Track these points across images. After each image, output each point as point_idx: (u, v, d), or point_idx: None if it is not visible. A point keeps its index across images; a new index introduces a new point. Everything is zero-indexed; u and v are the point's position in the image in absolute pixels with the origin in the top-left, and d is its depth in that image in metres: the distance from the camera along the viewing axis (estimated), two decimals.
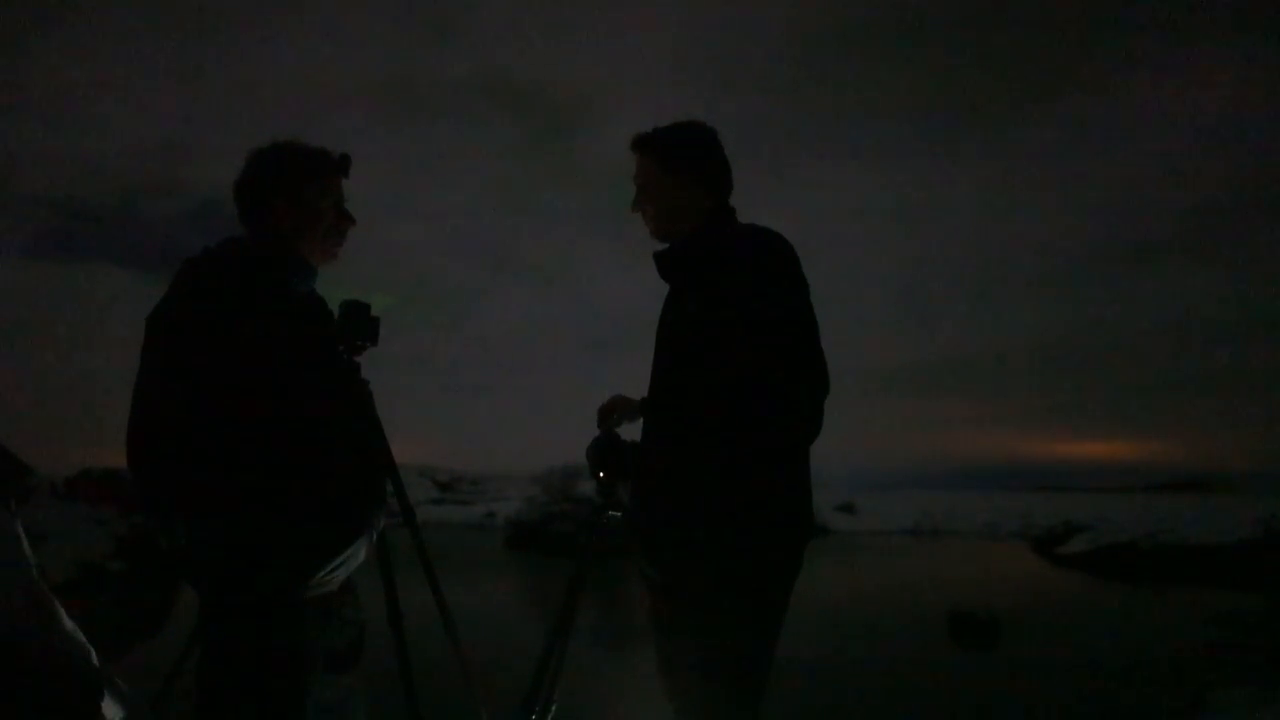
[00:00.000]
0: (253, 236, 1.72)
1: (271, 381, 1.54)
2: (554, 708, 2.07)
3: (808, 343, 1.71)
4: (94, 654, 1.79)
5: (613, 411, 2.06)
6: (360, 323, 1.97)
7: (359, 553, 1.65)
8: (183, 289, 1.60)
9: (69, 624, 1.78)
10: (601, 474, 2.14)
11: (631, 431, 2.11)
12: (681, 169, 1.87)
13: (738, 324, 1.68)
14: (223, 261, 1.64)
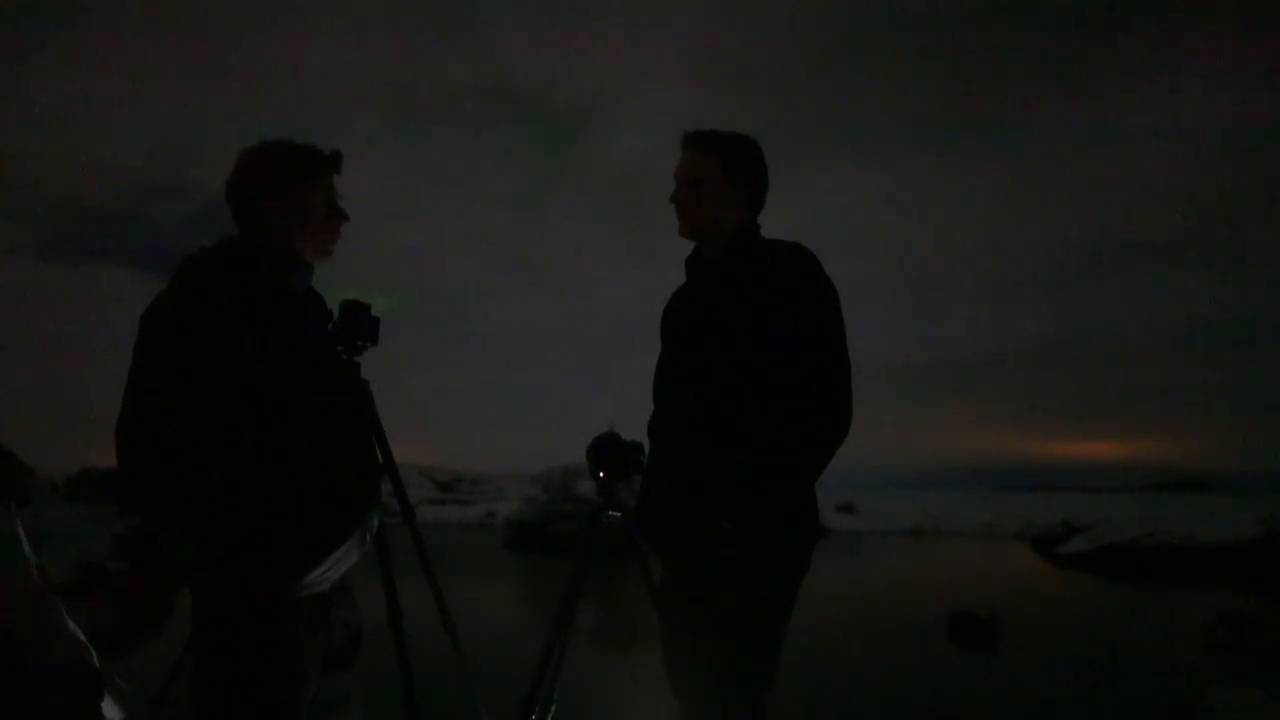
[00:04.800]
0: (246, 236, 1.72)
1: (265, 380, 1.53)
2: (554, 708, 2.07)
3: (838, 355, 1.78)
4: (94, 654, 1.79)
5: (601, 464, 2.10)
6: (360, 323, 1.98)
7: (350, 554, 1.64)
8: (178, 288, 1.60)
9: (69, 624, 1.78)
10: (601, 474, 2.14)
11: (632, 431, 2.11)
12: (740, 178, 1.92)
13: (775, 333, 1.74)
14: (218, 260, 1.64)
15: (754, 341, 1.76)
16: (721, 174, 1.91)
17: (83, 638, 1.79)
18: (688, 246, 2.02)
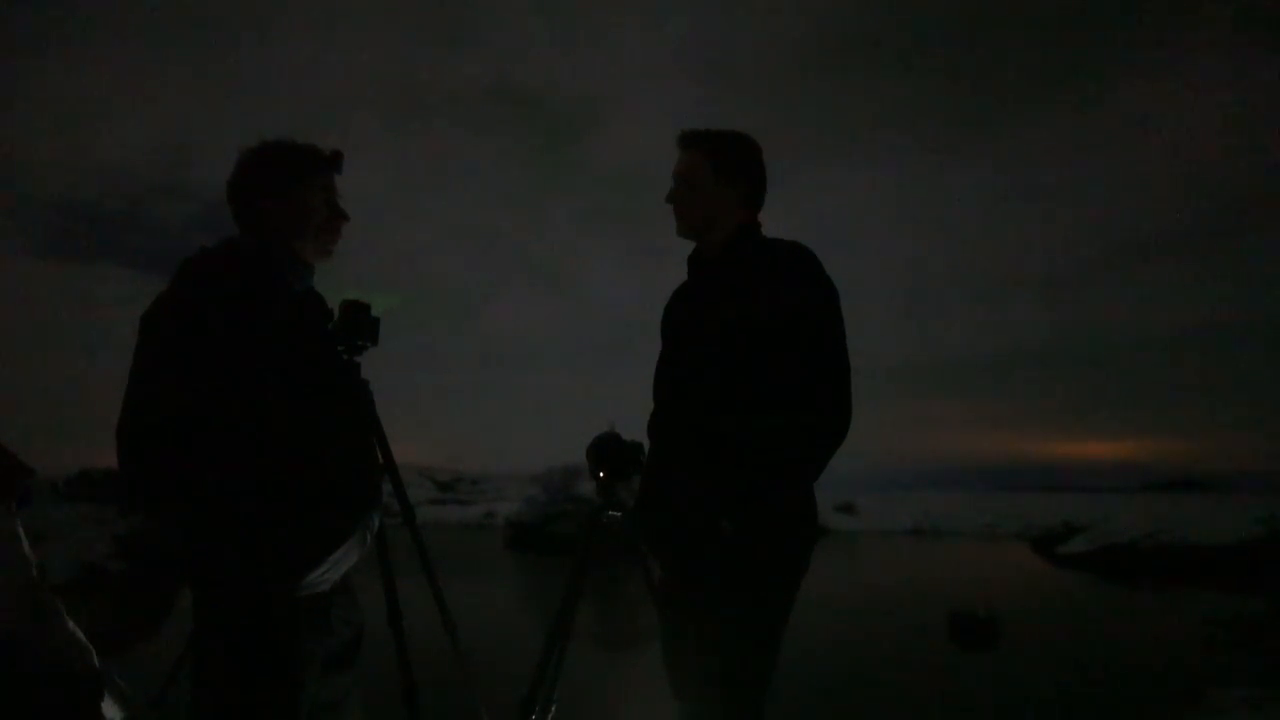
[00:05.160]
0: (247, 236, 1.72)
1: (265, 380, 1.53)
2: (554, 708, 2.07)
3: (837, 352, 1.77)
4: (94, 654, 1.79)
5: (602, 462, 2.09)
6: (360, 322, 1.97)
7: (350, 554, 1.64)
8: (178, 288, 1.60)
9: (69, 624, 1.78)
10: (601, 474, 2.14)
11: (632, 431, 2.11)
12: (733, 176, 1.91)
13: (774, 332, 1.73)
14: (219, 261, 1.64)
15: (753, 341, 1.75)
16: (713, 171, 1.90)
17: (83, 638, 1.79)
18: (688, 246, 2.02)
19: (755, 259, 1.84)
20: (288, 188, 1.72)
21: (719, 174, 1.90)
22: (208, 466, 1.48)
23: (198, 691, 1.55)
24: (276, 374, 1.56)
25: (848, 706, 6.23)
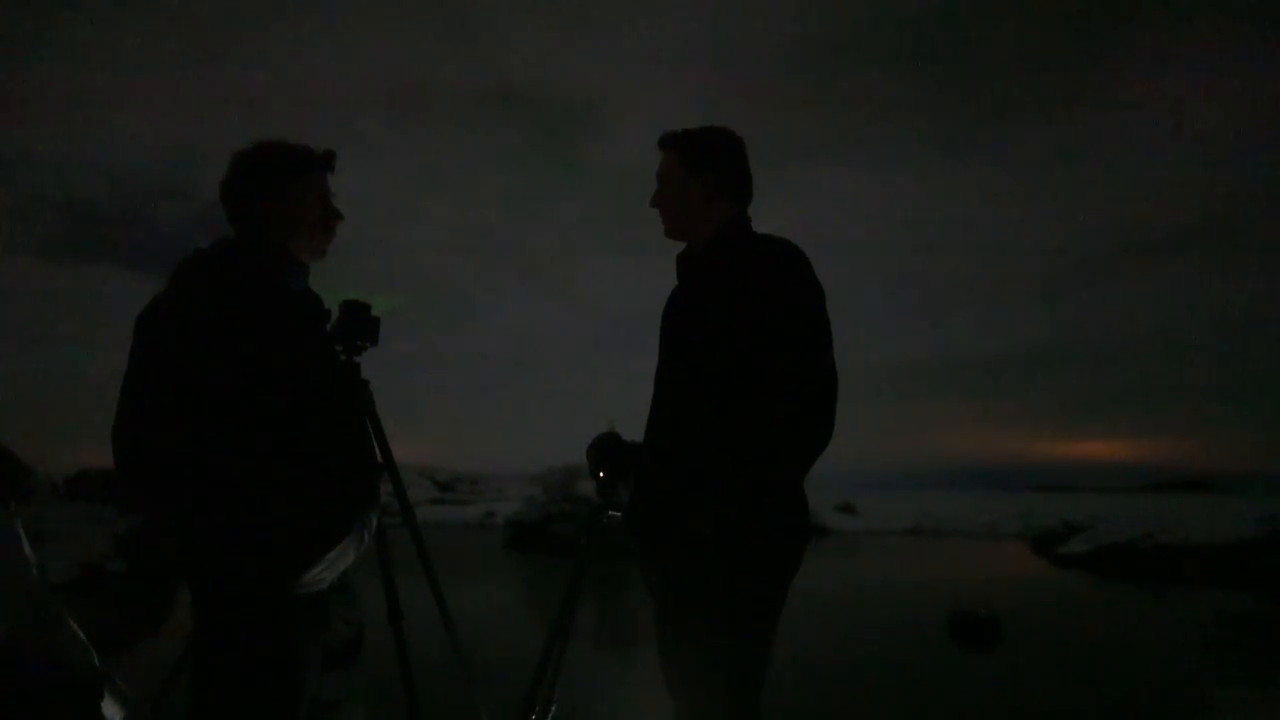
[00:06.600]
0: (242, 236, 1.72)
1: (261, 380, 1.53)
2: (554, 708, 2.07)
3: (823, 355, 1.74)
4: (94, 654, 1.79)
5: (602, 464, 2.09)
6: (360, 323, 1.98)
7: (348, 553, 1.64)
8: (173, 290, 1.60)
9: (69, 624, 1.78)
10: (601, 474, 2.14)
11: (632, 431, 2.11)
12: (705, 172, 1.89)
13: (758, 333, 1.71)
14: (214, 262, 1.64)
15: (736, 344, 1.73)
16: (683, 170, 1.89)
17: (83, 638, 1.80)
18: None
19: (742, 257, 1.81)
20: (282, 188, 1.72)
21: (692, 170, 1.88)
22: (205, 467, 1.48)
23: (198, 691, 1.55)
24: (273, 374, 1.56)
25: (847, 707, 6.23)
